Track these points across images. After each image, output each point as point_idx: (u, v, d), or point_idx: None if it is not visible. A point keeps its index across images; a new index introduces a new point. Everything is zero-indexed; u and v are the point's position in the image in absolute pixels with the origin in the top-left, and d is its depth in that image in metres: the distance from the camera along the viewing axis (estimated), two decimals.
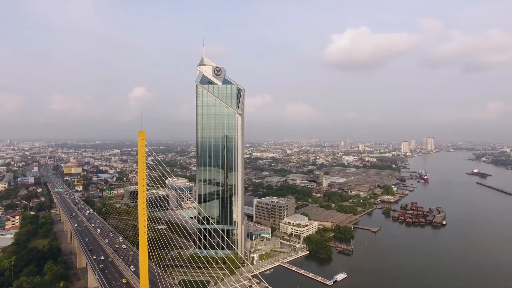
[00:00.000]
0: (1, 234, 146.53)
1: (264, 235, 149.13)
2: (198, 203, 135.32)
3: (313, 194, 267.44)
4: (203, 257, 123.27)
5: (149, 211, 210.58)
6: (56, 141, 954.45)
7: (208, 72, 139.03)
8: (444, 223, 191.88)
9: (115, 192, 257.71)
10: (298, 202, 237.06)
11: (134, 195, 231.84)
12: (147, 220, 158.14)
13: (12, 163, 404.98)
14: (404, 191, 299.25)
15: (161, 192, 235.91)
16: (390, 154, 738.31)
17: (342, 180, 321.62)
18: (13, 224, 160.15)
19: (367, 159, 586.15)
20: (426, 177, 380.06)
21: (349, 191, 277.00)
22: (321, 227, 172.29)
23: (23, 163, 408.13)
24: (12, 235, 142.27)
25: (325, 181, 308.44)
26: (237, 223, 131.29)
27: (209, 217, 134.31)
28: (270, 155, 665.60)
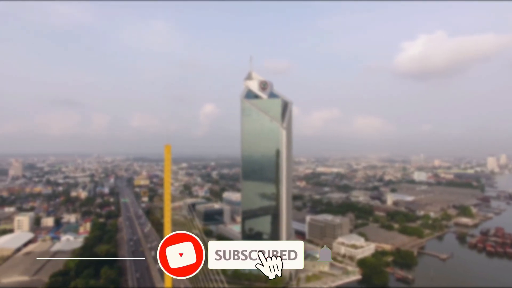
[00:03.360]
0: (74, 238, 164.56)
1: (313, 254, 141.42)
2: (243, 219, 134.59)
3: (376, 212, 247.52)
4: (246, 273, 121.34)
5: (203, 224, 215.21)
6: (135, 155, 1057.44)
7: (254, 86, 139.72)
8: None
9: (175, 204, 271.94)
10: (358, 221, 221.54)
11: (191, 207, 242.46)
12: (201, 233, 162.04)
13: (96, 174, 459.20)
14: (487, 213, 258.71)
15: (216, 205, 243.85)
16: (473, 170, 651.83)
17: (409, 198, 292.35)
18: (85, 229, 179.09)
19: (442, 175, 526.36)
20: None
21: (416, 211, 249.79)
22: (379, 249, 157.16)
23: (103, 174, 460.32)
24: (82, 239, 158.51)
25: (390, 198, 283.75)
26: (281, 240, 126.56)
27: (255, 233, 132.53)
28: (335, 170, 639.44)
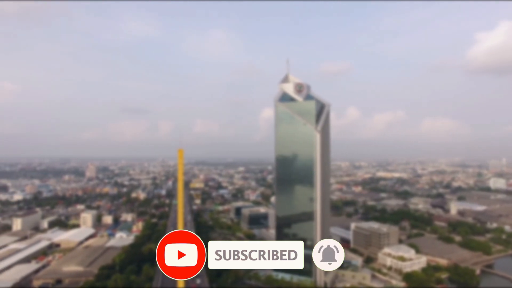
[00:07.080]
0: (127, 236, 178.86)
1: (353, 264, 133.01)
2: (277, 225, 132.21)
3: (435, 222, 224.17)
4: (278, 280, 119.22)
5: (248, 228, 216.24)
6: (196, 159, 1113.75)
7: (289, 89, 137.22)
8: None
9: (225, 207, 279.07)
10: (413, 231, 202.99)
11: (238, 211, 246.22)
12: (245, 237, 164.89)
13: (158, 177, 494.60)
14: None
15: (262, 209, 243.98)
16: None
17: (480, 208, 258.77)
18: (137, 228, 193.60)
19: None
20: None
21: (487, 223, 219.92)
22: (432, 263, 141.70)
23: (164, 177, 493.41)
24: (133, 237, 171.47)
25: (454, 207, 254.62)
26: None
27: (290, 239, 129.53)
28: (397, 175, 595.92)
